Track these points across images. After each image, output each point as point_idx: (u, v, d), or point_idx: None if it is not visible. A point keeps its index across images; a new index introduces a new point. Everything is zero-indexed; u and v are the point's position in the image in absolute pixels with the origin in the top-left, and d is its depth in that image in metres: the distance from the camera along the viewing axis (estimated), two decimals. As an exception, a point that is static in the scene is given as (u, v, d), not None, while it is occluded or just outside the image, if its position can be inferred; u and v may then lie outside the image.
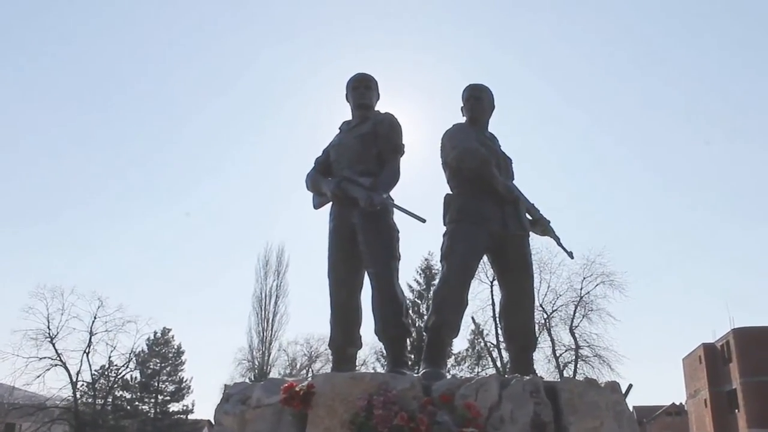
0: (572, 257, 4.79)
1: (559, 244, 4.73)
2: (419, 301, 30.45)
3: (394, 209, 4.23)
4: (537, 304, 24.95)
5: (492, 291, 25.13)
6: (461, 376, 4.72)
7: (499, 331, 21.40)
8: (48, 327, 28.68)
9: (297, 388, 3.41)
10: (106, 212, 61.75)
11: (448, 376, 3.98)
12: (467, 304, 4.30)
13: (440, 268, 4.45)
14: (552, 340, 26.49)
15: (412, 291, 30.91)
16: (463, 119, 4.73)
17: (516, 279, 4.37)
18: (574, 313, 26.54)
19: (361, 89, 4.68)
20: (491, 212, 4.32)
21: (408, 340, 4.40)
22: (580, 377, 23.19)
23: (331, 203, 4.55)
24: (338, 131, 4.78)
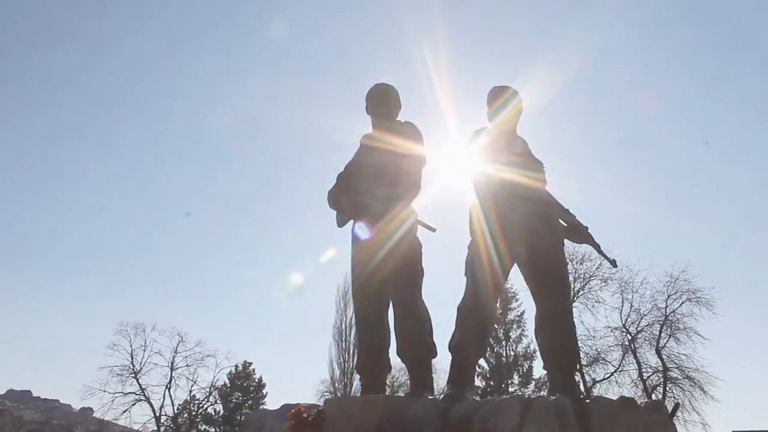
0: (615, 266, 4.47)
1: (600, 252, 4.36)
2: (496, 325, 29.59)
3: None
4: (620, 324, 23.88)
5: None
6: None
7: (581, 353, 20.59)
8: (132, 363, 29.52)
9: (305, 414, 3.22)
10: (185, 250, 63.86)
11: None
12: (495, 320, 3.99)
13: (465, 283, 4.15)
14: (638, 363, 25.16)
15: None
16: (488, 124, 4.47)
17: (550, 293, 3.98)
18: (660, 333, 25.06)
19: (381, 100, 4.54)
20: (520, 221, 4.02)
21: (432, 360, 4.10)
22: (669, 401, 22.09)
23: (353, 220, 4.39)
24: (359, 145, 4.63)
